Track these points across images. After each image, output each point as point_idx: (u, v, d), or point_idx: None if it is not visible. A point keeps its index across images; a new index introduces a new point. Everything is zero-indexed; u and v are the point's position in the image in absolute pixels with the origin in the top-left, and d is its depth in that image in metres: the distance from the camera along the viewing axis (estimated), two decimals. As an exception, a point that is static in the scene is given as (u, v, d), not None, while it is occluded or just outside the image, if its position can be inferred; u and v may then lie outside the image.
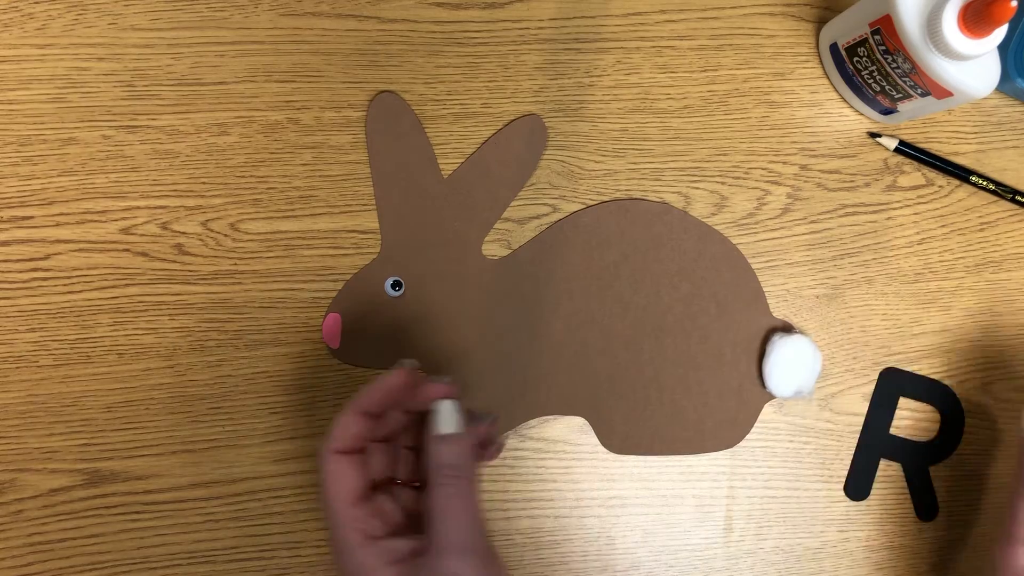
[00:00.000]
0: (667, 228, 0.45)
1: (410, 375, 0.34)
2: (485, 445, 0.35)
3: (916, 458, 0.45)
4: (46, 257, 0.42)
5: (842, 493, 0.45)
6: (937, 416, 0.46)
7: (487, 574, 0.30)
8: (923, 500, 0.45)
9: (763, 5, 0.47)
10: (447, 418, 0.33)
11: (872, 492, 0.46)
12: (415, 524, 0.33)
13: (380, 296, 0.43)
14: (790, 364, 0.43)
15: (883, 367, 0.46)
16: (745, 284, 0.45)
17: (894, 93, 0.43)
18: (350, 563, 0.31)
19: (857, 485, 0.45)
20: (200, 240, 0.43)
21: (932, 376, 0.46)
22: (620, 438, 0.44)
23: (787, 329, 0.45)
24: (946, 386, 0.46)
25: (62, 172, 0.42)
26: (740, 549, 0.45)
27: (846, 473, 0.45)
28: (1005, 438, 0.47)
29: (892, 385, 0.45)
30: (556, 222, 0.44)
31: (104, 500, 0.42)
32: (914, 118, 0.47)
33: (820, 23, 0.47)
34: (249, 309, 0.43)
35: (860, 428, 0.46)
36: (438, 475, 0.31)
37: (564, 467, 0.44)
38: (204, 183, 0.43)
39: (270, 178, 0.43)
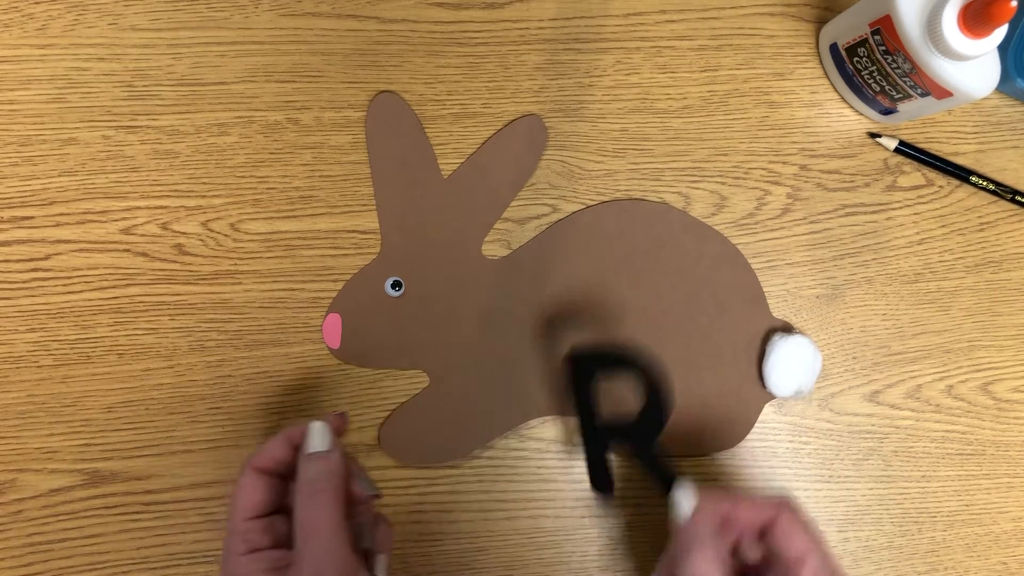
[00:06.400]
0: (667, 228, 0.45)
1: (338, 419, 0.37)
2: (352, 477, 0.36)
3: (638, 433, 0.38)
4: (46, 257, 0.42)
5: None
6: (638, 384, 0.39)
7: None
8: (660, 474, 0.38)
9: (763, 5, 0.47)
10: (317, 438, 0.34)
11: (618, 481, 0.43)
12: None
13: (380, 296, 0.43)
14: (790, 364, 0.43)
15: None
16: (745, 284, 0.45)
17: (894, 93, 0.43)
18: (228, 569, 0.33)
19: (598, 479, 0.39)
20: (200, 240, 0.43)
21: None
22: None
23: (787, 329, 0.45)
24: (628, 349, 0.38)
25: (62, 172, 0.42)
26: (740, 549, 0.45)
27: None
28: (1004, 438, 0.47)
29: (583, 368, 0.39)
30: (556, 222, 0.44)
31: (104, 500, 0.42)
32: (914, 118, 0.47)
33: (820, 23, 0.47)
34: (249, 309, 0.43)
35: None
36: (303, 490, 0.33)
37: (564, 467, 0.44)
38: (204, 183, 0.43)
39: (270, 178, 0.43)
